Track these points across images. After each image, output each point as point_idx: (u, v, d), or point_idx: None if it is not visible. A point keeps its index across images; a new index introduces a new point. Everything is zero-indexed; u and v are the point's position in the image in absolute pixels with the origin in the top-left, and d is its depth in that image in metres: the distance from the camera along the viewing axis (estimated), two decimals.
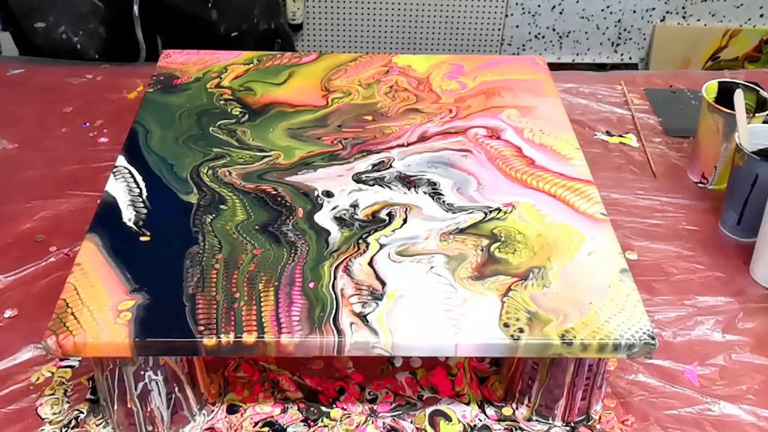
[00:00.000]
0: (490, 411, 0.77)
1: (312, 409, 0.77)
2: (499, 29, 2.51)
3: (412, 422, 0.76)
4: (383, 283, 0.71)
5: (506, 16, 2.50)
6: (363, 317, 0.68)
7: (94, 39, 1.28)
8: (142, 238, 0.75)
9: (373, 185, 0.83)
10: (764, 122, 0.99)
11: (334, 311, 0.68)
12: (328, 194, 0.81)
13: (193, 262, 0.73)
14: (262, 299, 0.69)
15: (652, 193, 1.04)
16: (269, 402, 0.77)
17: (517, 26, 2.54)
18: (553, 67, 1.08)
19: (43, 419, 0.75)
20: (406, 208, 0.80)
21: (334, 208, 0.79)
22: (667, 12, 2.52)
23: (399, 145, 0.89)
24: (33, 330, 0.81)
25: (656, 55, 2.56)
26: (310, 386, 0.79)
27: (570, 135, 0.91)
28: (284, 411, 0.76)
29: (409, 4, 2.44)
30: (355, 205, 0.80)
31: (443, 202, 0.81)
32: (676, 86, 1.25)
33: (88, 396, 0.77)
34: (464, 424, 0.76)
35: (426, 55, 1.05)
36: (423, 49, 2.51)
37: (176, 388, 0.72)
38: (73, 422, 0.75)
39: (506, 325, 0.68)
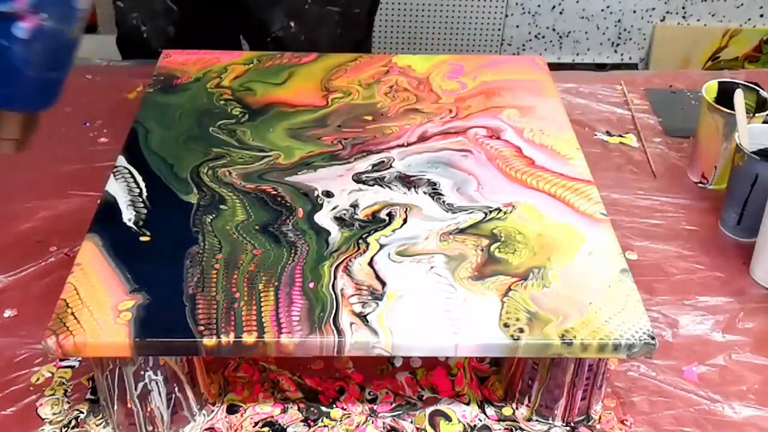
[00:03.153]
0: (490, 411, 0.77)
1: (312, 409, 0.77)
2: (499, 29, 2.51)
3: (412, 422, 0.76)
4: (383, 283, 0.71)
5: (506, 16, 2.50)
6: (363, 317, 0.68)
7: (161, 35, 1.28)
8: (142, 238, 0.75)
9: (373, 185, 0.83)
10: (764, 122, 0.99)
11: (334, 311, 0.68)
12: (328, 194, 0.81)
13: (193, 262, 0.73)
14: (262, 299, 0.69)
15: (652, 193, 1.04)
16: (269, 402, 0.77)
17: (517, 26, 2.54)
18: (553, 67, 1.07)
19: (43, 419, 0.75)
20: (406, 208, 0.80)
21: (334, 208, 0.79)
22: (667, 12, 2.52)
23: (399, 145, 0.89)
24: (33, 330, 0.81)
25: (656, 55, 2.56)
26: (310, 386, 0.79)
27: (570, 135, 0.91)
28: (284, 411, 0.76)
29: (409, 4, 2.44)
30: (355, 205, 0.80)
31: (443, 202, 0.81)
32: (676, 86, 1.25)
33: (88, 396, 0.77)
34: (464, 424, 0.76)
35: (426, 55, 1.05)
36: (423, 49, 2.51)
37: (176, 388, 0.72)
38: (73, 422, 0.75)
39: (506, 325, 0.68)
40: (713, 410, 0.78)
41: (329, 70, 1.01)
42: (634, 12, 2.52)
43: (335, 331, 0.67)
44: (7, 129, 0.71)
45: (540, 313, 0.69)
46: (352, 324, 0.67)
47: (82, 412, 0.75)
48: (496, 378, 0.80)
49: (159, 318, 0.67)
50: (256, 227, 0.77)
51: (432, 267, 0.73)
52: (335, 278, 0.72)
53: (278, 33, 1.27)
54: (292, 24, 1.26)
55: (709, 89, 1.04)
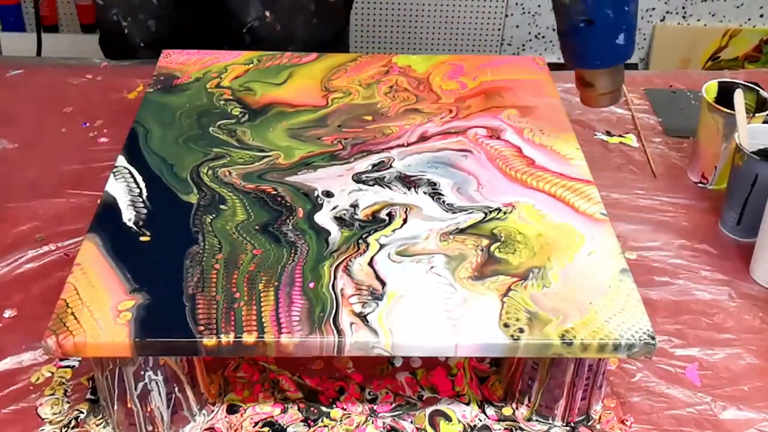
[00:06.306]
0: (490, 411, 0.77)
1: (312, 409, 0.77)
2: (499, 29, 2.51)
3: (412, 422, 0.76)
4: (383, 283, 0.71)
5: (506, 16, 2.50)
6: (363, 317, 0.68)
7: (142, 29, 1.29)
8: (142, 238, 0.75)
9: (373, 185, 0.83)
10: (764, 122, 0.99)
11: (334, 311, 0.68)
12: (328, 194, 0.81)
13: (193, 262, 0.73)
14: (262, 299, 0.69)
15: (652, 193, 1.04)
16: (269, 402, 0.77)
17: (517, 26, 2.54)
18: (553, 67, 1.07)
19: (43, 419, 0.75)
20: (406, 208, 0.80)
21: (334, 208, 0.79)
22: (667, 12, 2.52)
23: (399, 145, 0.89)
24: (33, 330, 0.81)
25: (656, 55, 2.56)
26: (310, 386, 0.79)
27: (570, 135, 0.91)
28: (284, 411, 0.76)
29: (409, 4, 2.44)
30: (355, 205, 0.80)
31: (443, 202, 0.81)
32: (676, 86, 1.25)
33: (88, 396, 0.77)
34: (464, 424, 0.76)
35: (426, 55, 1.05)
36: (423, 49, 2.51)
37: (176, 388, 0.72)
38: (73, 422, 0.75)
39: (506, 325, 0.68)
40: (713, 411, 0.78)
41: (329, 70, 1.01)
42: None
43: (335, 331, 0.67)
44: (615, 82, 0.90)
45: (540, 313, 0.69)
46: (352, 324, 0.67)
47: (82, 412, 0.75)
48: (496, 378, 0.80)
49: (159, 318, 0.67)
50: (256, 227, 0.77)
51: (432, 267, 0.73)
52: (335, 278, 0.72)
53: (254, 23, 1.28)
54: (268, 14, 1.27)
55: (709, 89, 1.04)
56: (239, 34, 1.30)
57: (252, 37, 1.29)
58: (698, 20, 2.53)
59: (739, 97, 0.97)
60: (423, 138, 0.90)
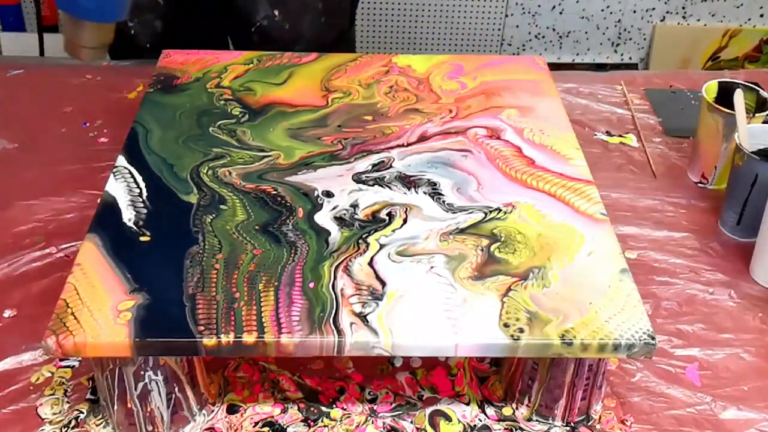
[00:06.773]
0: (490, 411, 0.77)
1: (312, 409, 0.77)
2: (499, 29, 2.51)
3: (412, 422, 0.76)
4: (383, 283, 0.71)
5: (506, 16, 2.50)
6: (363, 317, 0.68)
7: (148, 30, 1.29)
8: (142, 238, 0.75)
9: (373, 185, 0.83)
10: (764, 122, 0.99)
11: (334, 311, 0.68)
12: (328, 194, 0.81)
13: (193, 262, 0.73)
14: (262, 299, 0.69)
15: (652, 193, 1.04)
16: (269, 402, 0.77)
17: (517, 26, 2.54)
18: (553, 67, 1.07)
19: (43, 419, 0.75)
20: (406, 208, 0.80)
21: (334, 208, 0.79)
22: (667, 12, 2.52)
23: (399, 145, 0.89)
24: (33, 330, 0.81)
25: (656, 55, 2.56)
26: (310, 386, 0.79)
27: (570, 135, 0.91)
28: (284, 411, 0.76)
29: (409, 4, 2.44)
30: (355, 205, 0.80)
31: (443, 202, 0.81)
32: (676, 86, 1.25)
33: (88, 396, 0.77)
34: (464, 424, 0.76)
35: (426, 55, 1.05)
36: (423, 49, 2.52)
37: (176, 388, 0.72)
38: (73, 422, 0.75)
39: (506, 325, 0.68)
40: (713, 411, 0.78)
41: (329, 70, 1.01)
42: (634, 12, 2.52)
43: (335, 331, 0.67)
44: (89, 37, 0.91)
45: (540, 313, 0.69)
46: (352, 324, 0.67)
47: (82, 412, 0.75)
48: (496, 378, 0.80)
49: (159, 318, 0.67)
50: (256, 227, 0.77)
51: (432, 267, 0.73)
52: (335, 278, 0.72)
53: (262, 22, 1.29)
54: (276, 13, 1.28)
55: (709, 89, 1.04)
56: (247, 34, 1.31)
57: (260, 36, 1.30)
58: (698, 20, 2.53)
59: (739, 97, 0.97)
60: (423, 138, 0.90)
